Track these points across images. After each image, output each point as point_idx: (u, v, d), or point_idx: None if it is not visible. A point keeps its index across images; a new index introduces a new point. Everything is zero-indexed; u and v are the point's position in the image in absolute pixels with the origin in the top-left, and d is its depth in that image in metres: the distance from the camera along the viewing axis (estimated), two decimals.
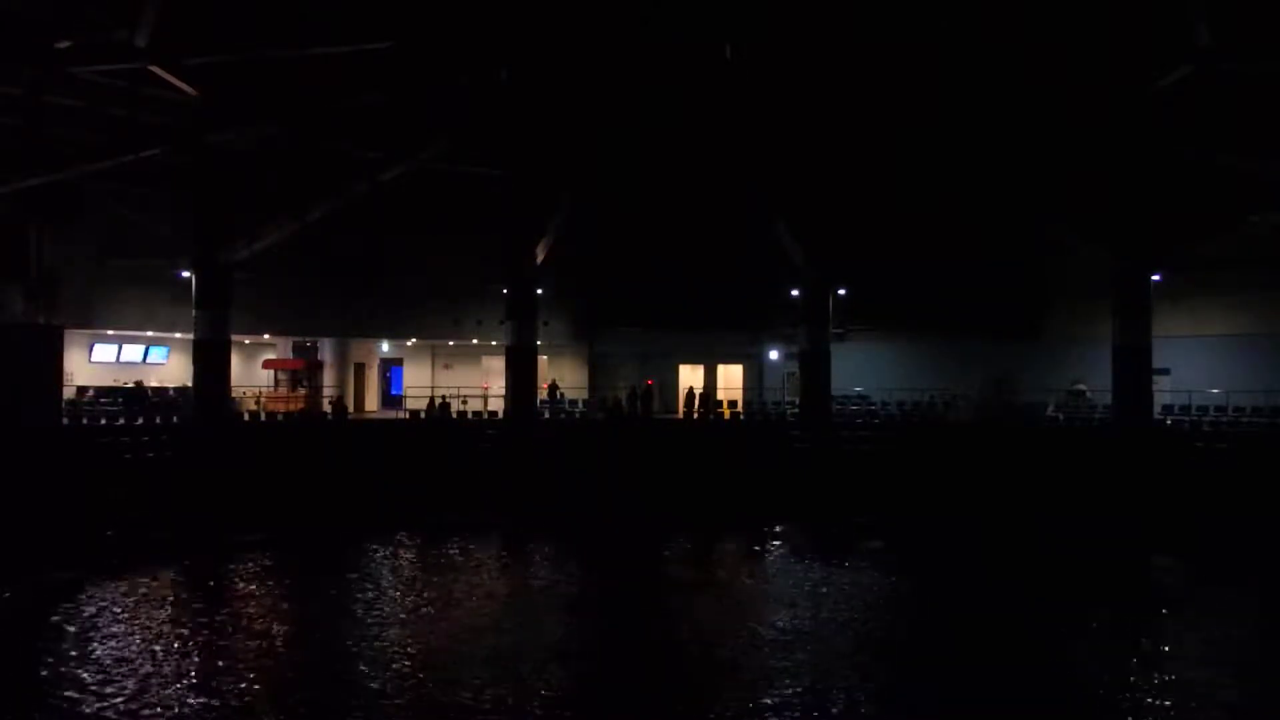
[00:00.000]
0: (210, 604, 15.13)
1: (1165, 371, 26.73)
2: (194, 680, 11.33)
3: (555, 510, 22.89)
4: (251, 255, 24.32)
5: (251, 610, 14.88)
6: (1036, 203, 25.99)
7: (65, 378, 23.88)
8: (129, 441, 21.96)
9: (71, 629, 13.36)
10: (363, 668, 11.96)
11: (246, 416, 26.32)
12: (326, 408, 29.23)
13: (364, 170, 25.51)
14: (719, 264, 30.02)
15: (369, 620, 14.15)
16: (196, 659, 12.15)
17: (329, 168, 25.37)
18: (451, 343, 33.65)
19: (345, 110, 24.35)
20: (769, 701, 10.79)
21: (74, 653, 12.29)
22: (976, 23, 21.21)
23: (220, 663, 12.01)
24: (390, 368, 36.48)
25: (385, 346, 34.83)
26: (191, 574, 17.10)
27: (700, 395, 31.03)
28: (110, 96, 21.48)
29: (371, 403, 33.96)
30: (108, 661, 11.94)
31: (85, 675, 11.40)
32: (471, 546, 19.94)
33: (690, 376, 33.51)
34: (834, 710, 10.61)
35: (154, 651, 12.39)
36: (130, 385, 27.59)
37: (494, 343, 31.20)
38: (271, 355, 33.20)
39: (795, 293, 28.56)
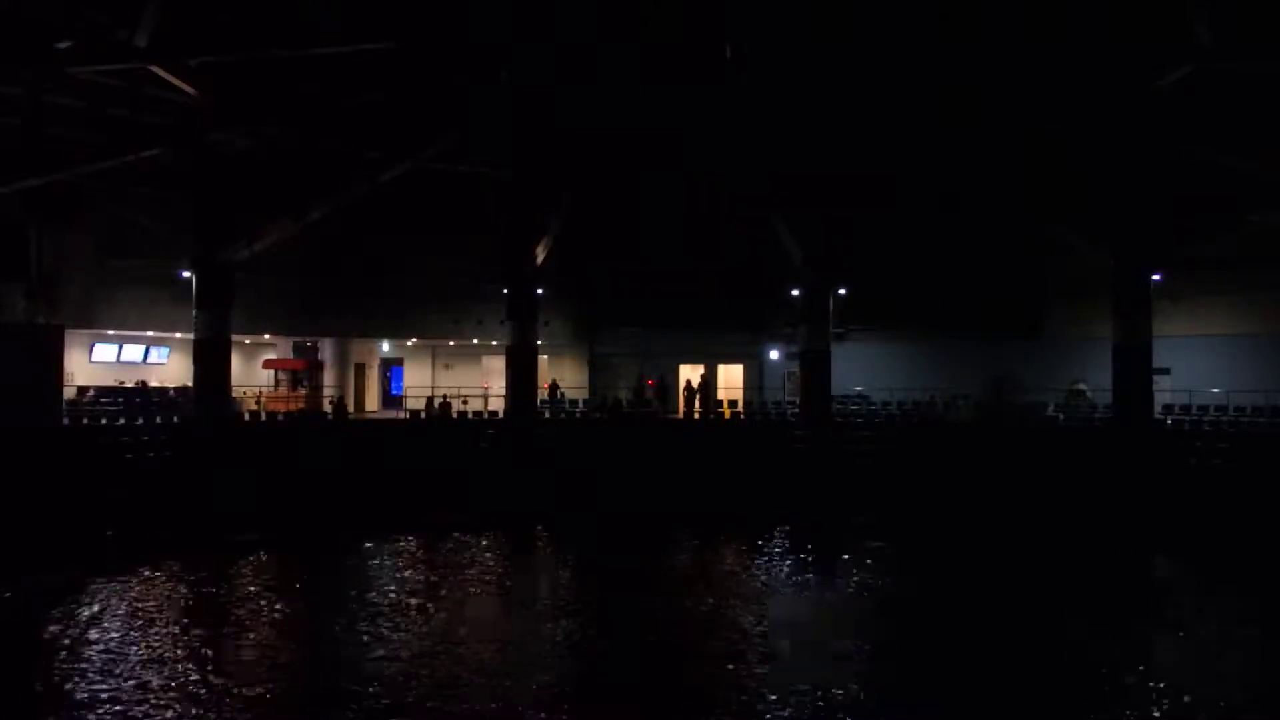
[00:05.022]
0: (210, 604, 15.14)
1: (1165, 371, 26.70)
2: (193, 681, 11.33)
3: (555, 510, 22.88)
4: (251, 255, 24.31)
5: (251, 611, 14.88)
6: (1036, 202, 25.99)
7: (65, 378, 23.87)
8: (129, 441, 21.96)
9: (71, 629, 13.36)
10: (362, 669, 11.96)
11: (246, 416, 26.31)
12: (327, 408, 29.24)
13: (364, 170, 25.51)
14: (719, 264, 30.01)
15: (369, 621, 14.15)
16: (196, 659, 12.15)
17: (329, 168, 25.37)
18: (452, 343, 33.66)
19: (345, 110, 24.36)
20: (767, 703, 10.79)
21: (73, 653, 12.28)
22: (976, 22, 21.21)
23: (220, 663, 12.01)
24: (390, 368, 36.49)
25: (386, 346, 34.84)
26: (191, 574, 17.09)
27: (699, 389, 30.98)
28: (110, 96, 21.50)
29: (372, 403, 33.97)
30: (107, 662, 11.94)
31: (84, 675, 11.41)
32: (472, 546, 19.95)
33: (690, 377, 33.52)
34: (832, 713, 10.60)
35: (153, 652, 12.39)
36: (139, 385, 27.67)
37: (494, 343, 31.20)
38: (271, 355, 33.20)
39: (795, 293, 28.55)
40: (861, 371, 30.86)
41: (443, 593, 16.01)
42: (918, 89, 23.42)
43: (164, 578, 16.59)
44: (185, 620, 14.02)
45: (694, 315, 31.55)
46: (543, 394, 30.42)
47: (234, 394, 26.24)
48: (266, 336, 31.65)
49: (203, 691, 10.95)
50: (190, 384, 25.35)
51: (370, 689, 11.17)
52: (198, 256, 23.69)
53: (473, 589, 16.42)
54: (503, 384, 29.01)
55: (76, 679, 11.29)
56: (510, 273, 27.74)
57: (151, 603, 14.96)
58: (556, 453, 25.94)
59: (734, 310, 31.90)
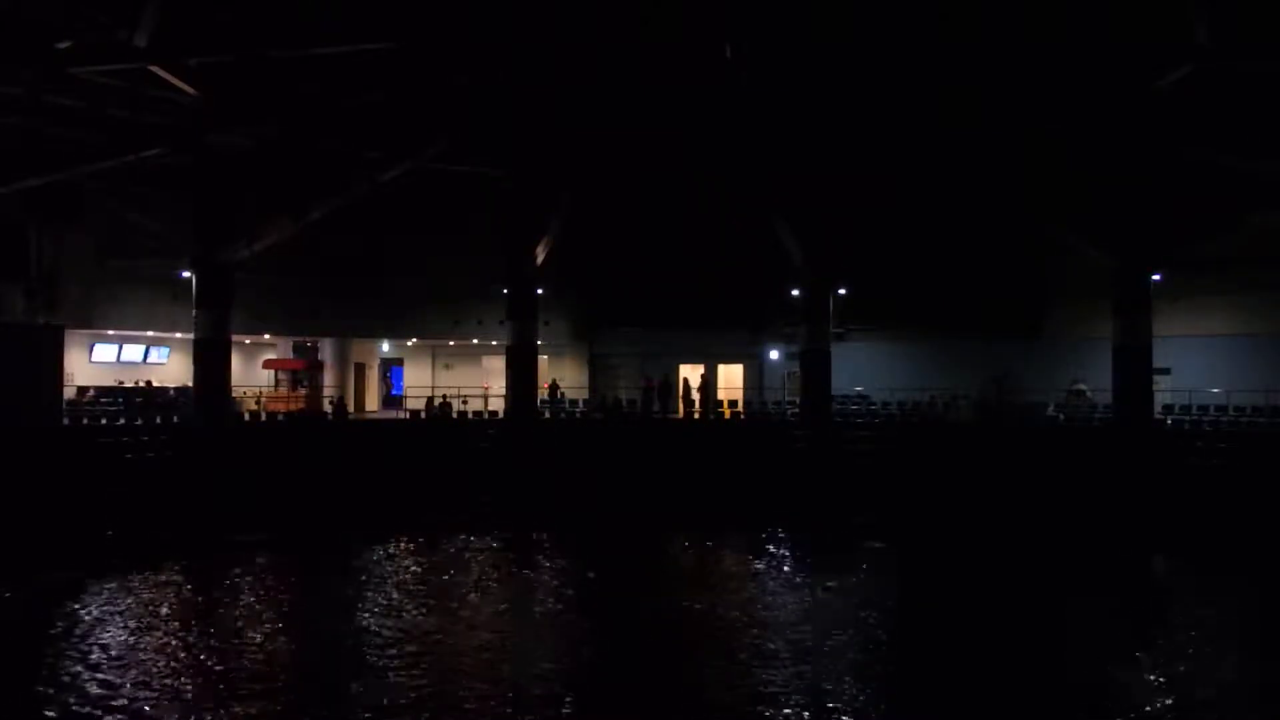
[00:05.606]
0: (210, 605, 15.13)
1: (1165, 371, 26.72)
2: (193, 681, 11.33)
3: (555, 510, 22.88)
4: (251, 255, 24.32)
5: (252, 611, 14.88)
6: (1036, 202, 25.99)
7: (65, 378, 23.88)
8: (129, 441, 21.96)
9: (72, 629, 13.35)
10: (362, 669, 11.95)
11: (247, 416, 26.32)
12: (327, 408, 29.24)
13: (364, 170, 25.51)
14: (719, 264, 30.02)
15: (370, 621, 14.14)
16: (196, 660, 12.15)
17: (329, 168, 25.38)
18: (452, 343, 33.68)
19: (345, 110, 24.36)
20: (766, 702, 10.79)
21: (74, 653, 12.28)
22: (976, 22, 21.21)
23: (220, 664, 12.00)
24: (390, 368, 36.49)
25: (385, 346, 34.85)
26: (192, 574, 17.08)
27: (699, 388, 30.93)
28: (110, 96, 21.50)
29: (372, 403, 33.97)
30: (107, 662, 11.93)
31: (85, 676, 11.40)
32: (472, 546, 19.95)
33: (690, 377, 33.53)
34: (831, 711, 10.60)
35: (154, 652, 12.39)
36: (141, 384, 27.67)
37: (494, 343, 31.21)
38: (271, 355, 33.21)
39: (795, 293, 28.56)
40: (861, 371, 30.87)
41: (442, 593, 16.00)
42: (918, 89, 23.41)
43: (164, 578, 16.58)
44: (185, 621, 14.01)
45: (694, 315, 31.55)
46: (543, 394, 30.43)
47: (234, 394, 26.25)
48: (266, 336, 31.66)
49: (203, 693, 10.95)
50: (190, 384, 25.37)
51: (370, 690, 11.17)
52: (198, 256, 23.70)
53: (472, 589, 16.42)
54: (503, 384, 29.02)
55: (77, 680, 11.29)
56: (510, 273, 27.75)
57: (152, 603, 14.95)
58: (557, 453, 25.92)
59: (734, 310, 31.91)
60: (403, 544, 20.12)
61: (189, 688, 11.07)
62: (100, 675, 11.41)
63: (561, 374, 33.80)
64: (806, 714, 10.47)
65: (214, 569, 17.45)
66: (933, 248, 29.03)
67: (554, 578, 17.86)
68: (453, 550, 19.57)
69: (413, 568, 18.36)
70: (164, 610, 14.57)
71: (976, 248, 29.04)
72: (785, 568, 18.53)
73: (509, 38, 22.50)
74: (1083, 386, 27.64)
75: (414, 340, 33.91)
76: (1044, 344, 29.66)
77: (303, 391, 32.33)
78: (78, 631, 13.23)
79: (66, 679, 11.29)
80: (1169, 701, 10.85)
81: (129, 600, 15.02)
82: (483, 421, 28.18)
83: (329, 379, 31.79)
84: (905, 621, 14.68)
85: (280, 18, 20.87)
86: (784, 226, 27.22)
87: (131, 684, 11.12)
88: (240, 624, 13.93)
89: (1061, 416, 26.87)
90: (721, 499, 23.34)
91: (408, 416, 27.92)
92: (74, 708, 10.40)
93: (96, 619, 13.86)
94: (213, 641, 12.94)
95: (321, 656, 12.77)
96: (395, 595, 15.88)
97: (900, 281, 29.97)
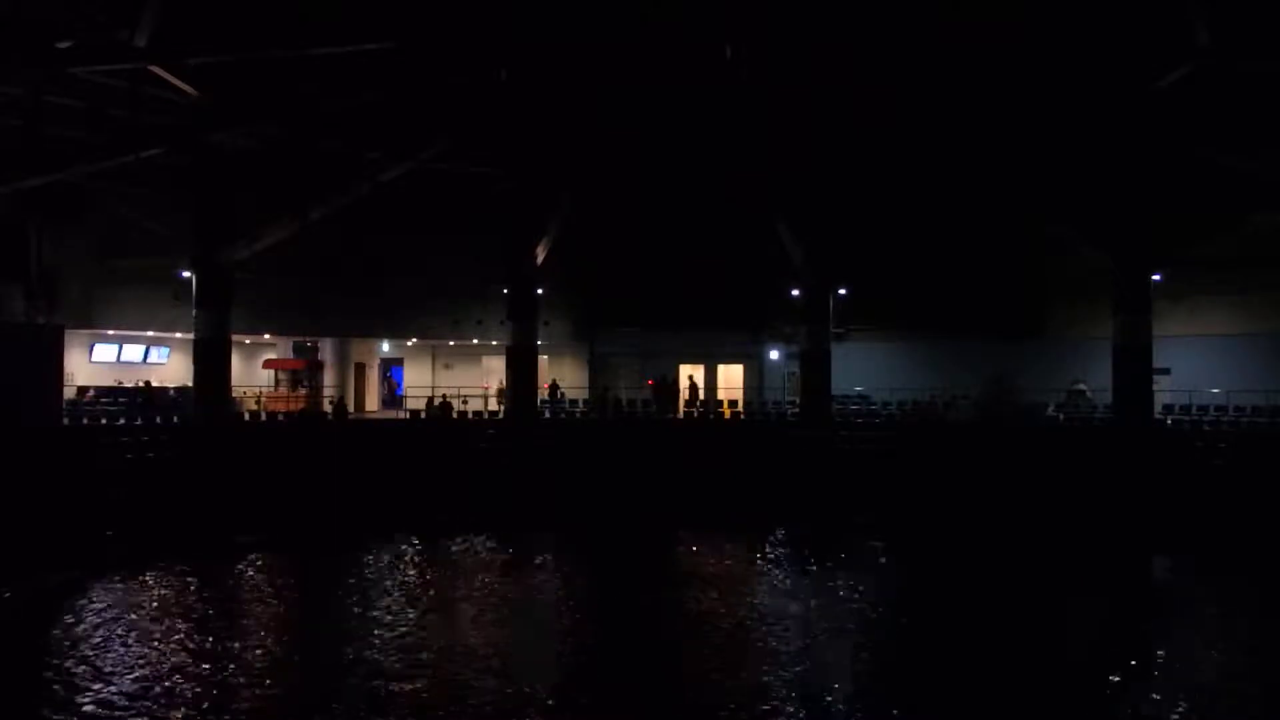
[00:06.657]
0: (210, 605, 15.13)
1: (1165, 371, 26.71)
2: (193, 682, 11.33)
3: (555, 510, 22.88)
4: (251, 255, 24.31)
5: (252, 612, 14.89)
6: (1036, 203, 25.98)
7: (65, 378, 23.86)
8: (130, 441, 21.95)
9: (72, 629, 13.36)
10: (364, 671, 11.96)
11: (247, 416, 26.31)
12: (327, 408, 29.23)
13: (364, 170, 25.51)
14: (719, 264, 30.00)
15: (370, 622, 14.15)
16: (196, 660, 12.15)
17: (329, 168, 25.37)
18: (452, 343, 33.68)
19: (345, 110, 24.36)
20: (765, 701, 10.79)
21: (73, 653, 12.29)
22: (977, 22, 21.20)
23: (220, 665, 12.01)
24: (391, 368, 36.48)
25: (385, 346, 34.84)
26: (191, 575, 17.08)
27: (687, 388, 30.89)
28: (110, 96, 21.49)
29: (372, 403, 33.97)
30: (107, 662, 11.94)
31: (84, 676, 11.41)
32: (472, 546, 19.96)
33: (680, 378, 33.53)
34: (833, 713, 10.61)
35: (153, 653, 12.40)
36: (140, 385, 27.69)
37: (494, 343, 31.21)
38: (271, 355, 33.21)
39: (795, 293, 28.56)
40: (861, 371, 30.86)
41: (442, 593, 16.01)
42: (918, 89, 23.40)
43: (164, 579, 16.59)
44: (185, 622, 14.01)
45: (694, 315, 31.55)
46: (543, 394, 30.42)
47: (234, 394, 26.23)
48: (266, 336, 31.66)
49: (201, 694, 10.96)
50: (190, 384, 25.35)
51: (369, 690, 11.17)
52: (198, 256, 23.69)
53: (471, 589, 16.41)
54: (503, 383, 28.98)
55: (76, 680, 11.29)
56: (510, 273, 27.74)
57: (151, 604, 14.96)
58: (556, 452, 25.90)
59: (734, 310, 31.90)
60: (401, 545, 20.12)
61: (187, 689, 11.07)
62: (98, 676, 11.41)
63: (561, 374, 33.79)
64: (805, 713, 10.47)
65: (213, 570, 17.46)
66: (933, 248, 29.02)
67: (553, 577, 17.86)
68: (452, 551, 19.57)
69: (412, 568, 18.36)
70: (162, 611, 14.56)
71: (976, 248, 29.03)
72: (785, 567, 18.52)
73: (509, 38, 22.48)
74: (1083, 386, 27.63)
75: (414, 340, 33.92)
76: (1044, 344, 29.65)
77: (303, 391, 32.32)
78: (76, 632, 13.23)
79: (65, 679, 11.29)
80: (1168, 701, 10.85)
81: (128, 601, 15.02)
82: (483, 421, 28.17)
83: (329, 379, 31.78)
84: (905, 621, 14.68)
85: (280, 18, 20.85)
86: (784, 226, 27.21)
87: (130, 685, 11.12)
88: (238, 626, 13.93)
89: (1061, 416, 26.85)
90: (722, 499, 23.33)
91: (408, 416, 27.90)
92: (71, 708, 10.41)
93: (95, 619, 13.86)
94: (211, 643, 12.94)
95: (320, 657, 12.76)
96: (393, 596, 15.88)
97: (900, 282, 29.96)
